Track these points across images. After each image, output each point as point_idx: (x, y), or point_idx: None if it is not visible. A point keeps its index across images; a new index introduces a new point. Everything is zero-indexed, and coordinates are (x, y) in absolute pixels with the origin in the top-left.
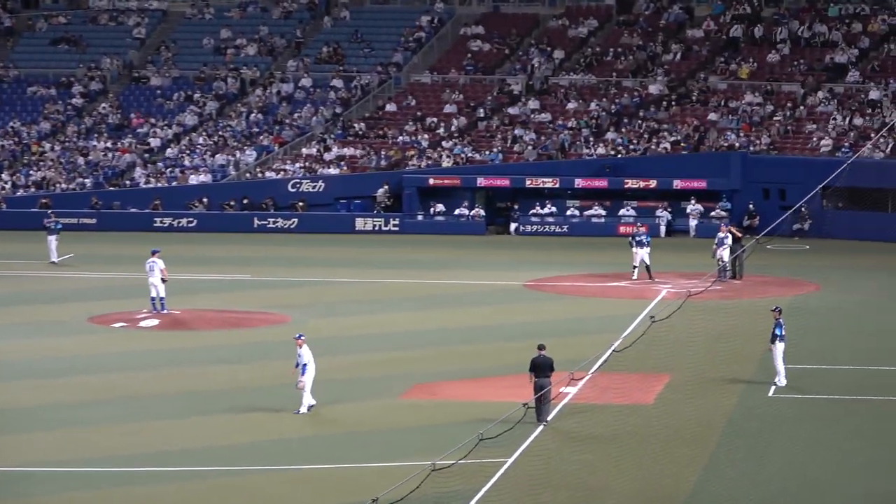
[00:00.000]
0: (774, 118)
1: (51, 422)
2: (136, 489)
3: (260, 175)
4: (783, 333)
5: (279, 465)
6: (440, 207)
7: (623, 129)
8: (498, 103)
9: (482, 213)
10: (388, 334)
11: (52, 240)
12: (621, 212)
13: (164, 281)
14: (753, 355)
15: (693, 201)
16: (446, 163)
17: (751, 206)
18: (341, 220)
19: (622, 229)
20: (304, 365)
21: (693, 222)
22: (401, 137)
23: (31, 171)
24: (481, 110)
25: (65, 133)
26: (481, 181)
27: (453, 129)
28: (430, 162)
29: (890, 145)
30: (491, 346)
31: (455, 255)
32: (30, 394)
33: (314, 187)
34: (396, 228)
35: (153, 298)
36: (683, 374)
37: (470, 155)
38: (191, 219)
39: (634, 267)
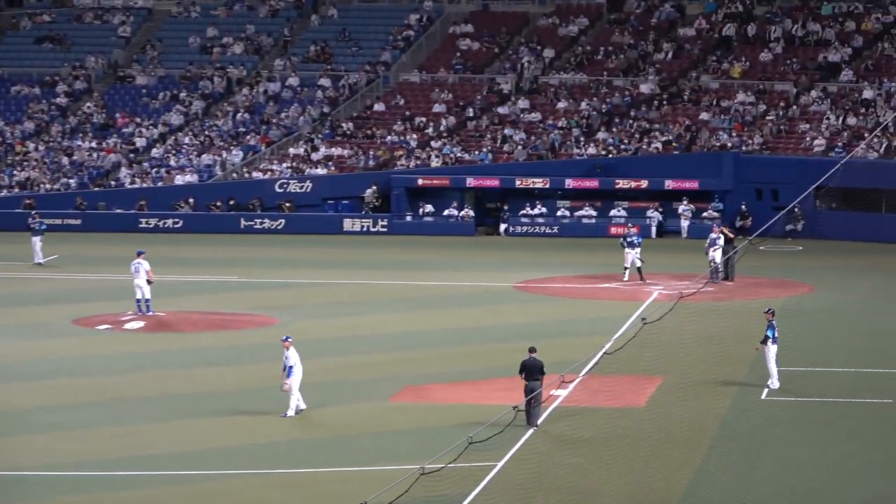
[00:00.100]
0: (767, 118)
1: (35, 425)
2: (123, 493)
3: (247, 175)
4: (776, 335)
5: (267, 469)
6: (429, 208)
7: (614, 129)
8: (487, 103)
9: (471, 213)
10: (376, 336)
11: (37, 241)
12: (612, 212)
13: (149, 282)
14: (746, 357)
15: (685, 202)
16: (435, 163)
17: (743, 206)
18: (329, 221)
19: (613, 230)
20: (291, 367)
21: (685, 223)
22: (389, 137)
23: (14, 172)
24: (470, 110)
25: (49, 133)
26: (471, 181)
27: (442, 128)
28: (418, 162)
29: (884, 145)
30: (480, 348)
31: (444, 257)
32: (13, 397)
33: (301, 188)
34: (385, 229)
35: (138, 300)
36: (675, 376)
37: (459, 155)
38: (176, 219)
39: (626, 268)
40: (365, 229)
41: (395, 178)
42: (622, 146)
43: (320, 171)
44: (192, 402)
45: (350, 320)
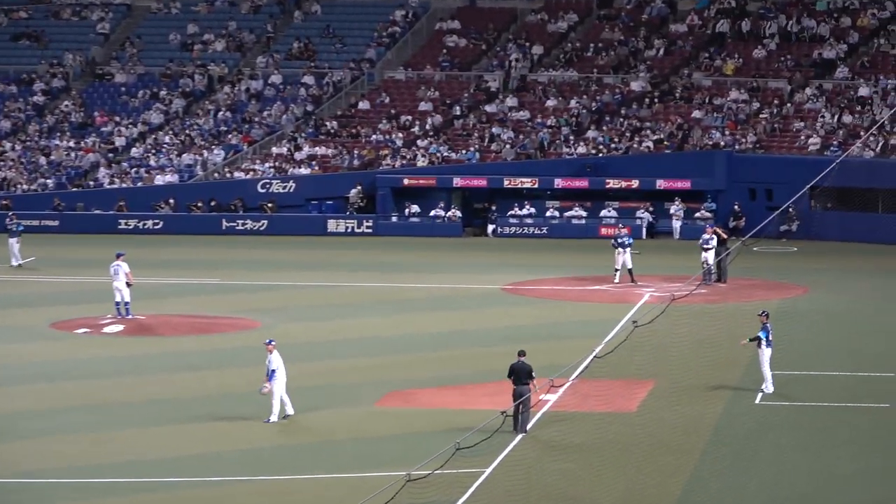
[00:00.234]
0: (761, 116)
1: (13, 431)
2: (103, 501)
3: (228, 175)
4: (770, 338)
5: (249, 476)
6: (415, 208)
7: (604, 128)
8: (475, 101)
9: (459, 214)
10: (361, 340)
11: (14, 242)
12: (602, 213)
13: (129, 285)
14: (739, 361)
15: (677, 202)
16: (421, 162)
17: (736, 206)
18: (313, 222)
19: (603, 231)
20: (273, 371)
21: (677, 224)
22: (374, 136)
23: None
24: (457, 108)
25: (26, 132)
26: (458, 181)
27: (428, 127)
28: (404, 161)
29: (880, 144)
30: (468, 351)
31: (431, 258)
32: None
33: (284, 188)
34: (370, 230)
35: (118, 303)
36: (667, 380)
37: (446, 154)
38: (157, 220)
39: (616, 270)
40: (350, 230)
41: (381, 178)
42: (612, 145)
43: (304, 170)
44: (173, 408)
45: (334, 323)
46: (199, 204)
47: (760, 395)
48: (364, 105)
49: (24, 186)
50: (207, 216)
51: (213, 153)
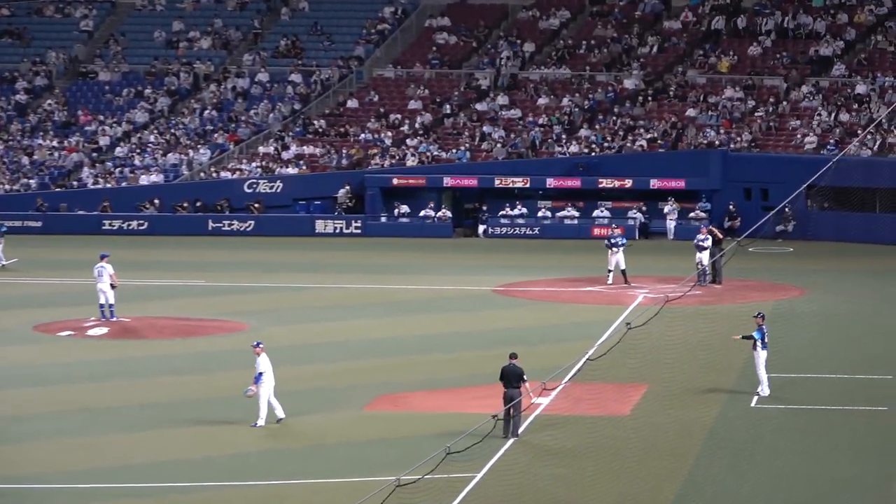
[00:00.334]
0: (756, 114)
1: None
2: None
3: (214, 175)
4: (766, 340)
5: (237, 481)
6: (404, 209)
7: (597, 126)
8: (465, 99)
9: (449, 214)
10: (350, 342)
11: None
12: (595, 213)
13: (113, 287)
14: (735, 364)
15: (671, 202)
16: (411, 162)
17: (731, 206)
18: (300, 223)
19: (596, 231)
20: (260, 374)
21: (671, 224)
22: (363, 135)
23: None
24: (448, 106)
25: (8, 131)
26: (448, 181)
27: (418, 126)
28: (393, 161)
29: (877, 142)
30: (458, 354)
31: (420, 259)
32: None
33: (272, 188)
34: (358, 231)
35: (102, 305)
36: (661, 383)
37: (436, 153)
38: (141, 221)
39: (609, 271)
40: (338, 231)
41: (370, 178)
42: (605, 144)
43: (291, 170)
44: (158, 412)
45: (322, 326)
46: (185, 204)
47: (756, 398)
48: (352, 103)
49: (7, 187)
50: (193, 217)
51: (198, 153)
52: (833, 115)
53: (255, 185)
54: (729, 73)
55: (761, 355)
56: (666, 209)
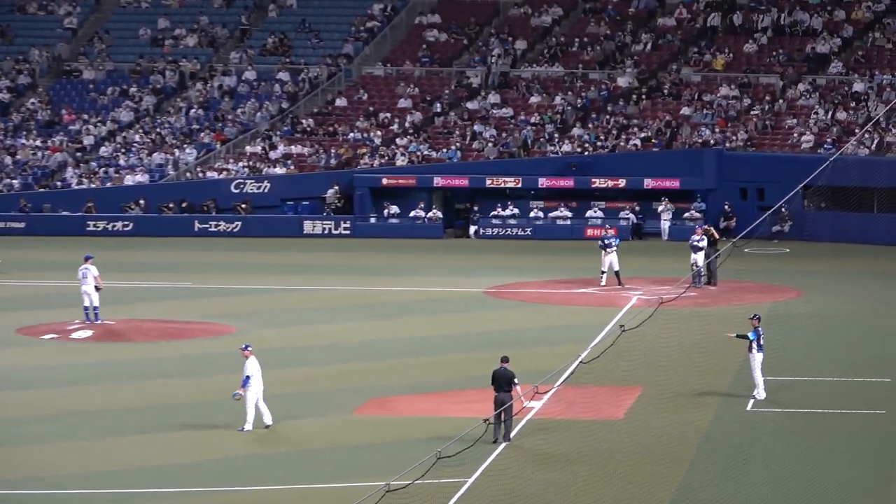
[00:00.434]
0: (752, 112)
1: None
2: None
3: (201, 175)
4: (762, 343)
5: (224, 486)
6: (394, 209)
7: (590, 125)
8: (456, 97)
9: (439, 215)
10: (339, 345)
11: None
12: (588, 213)
13: (97, 289)
14: (730, 367)
15: (665, 202)
16: (401, 161)
17: (727, 206)
18: (288, 223)
19: (589, 232)
20: (248, 377)
21: (665, 224)
22: (352, 134)
23: None
24: (438, 105)
25: None
26: (438, 181)
27: (408, 125)
28: (383, 160)
29: (875, 141)
30: (449, 357)
31: (411, 261)
32: None
33: (259, 188)
34: (347, 232)
35: (86, 308)
36: (655, 386)
37: (426, 153)
38: (127, 222)
39: (603, 272)
40: (326, 232)
41: (359, 178)
42: (599, 143)
43: (279, 170)
44: (144, 416)
45: (311, 328)
46: (171, 205)
47: (752, 401)
48: (341, 102)
49: None
50: (179, 217)
51: (184, 152)
52: (830, 113)
53: (242, 186)
54: (724, 71)
55: (757, 358)
56: (660, 209)
